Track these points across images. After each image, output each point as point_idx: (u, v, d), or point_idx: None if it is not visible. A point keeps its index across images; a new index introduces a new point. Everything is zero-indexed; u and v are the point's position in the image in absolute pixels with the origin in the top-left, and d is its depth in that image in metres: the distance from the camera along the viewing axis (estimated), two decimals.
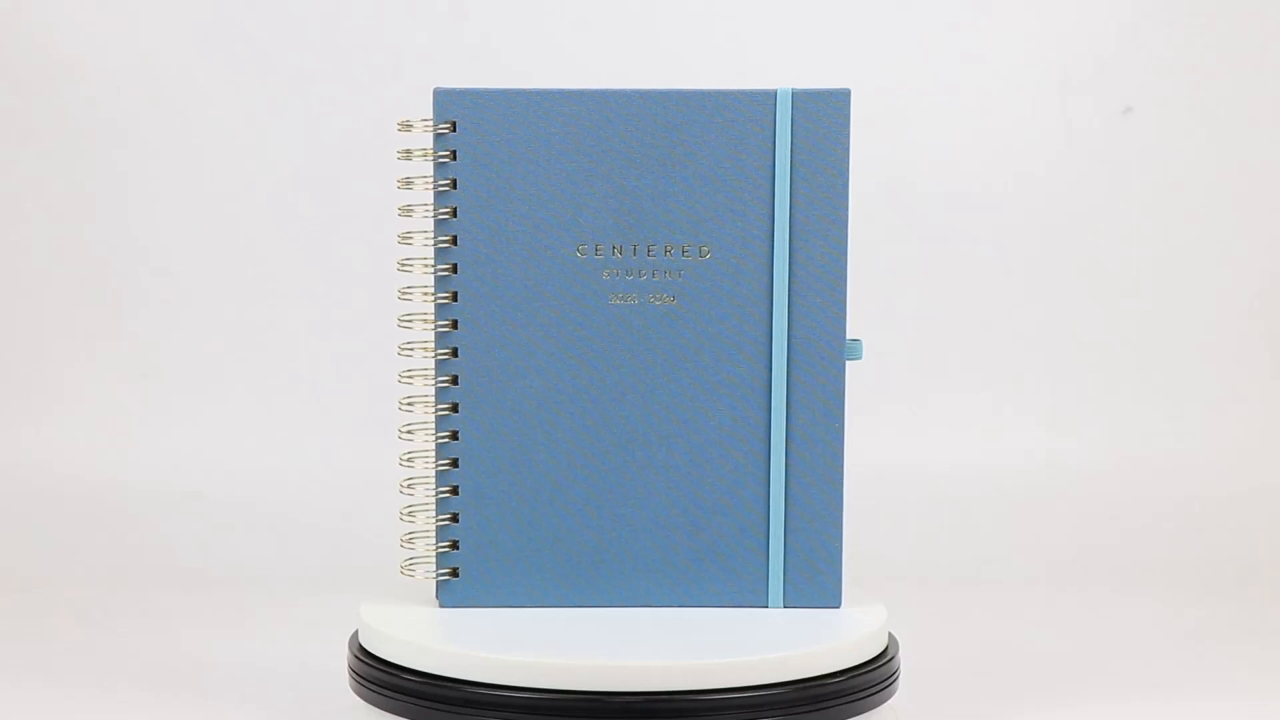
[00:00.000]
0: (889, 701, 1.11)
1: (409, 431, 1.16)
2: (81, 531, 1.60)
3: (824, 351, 1.13)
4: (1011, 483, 1.66)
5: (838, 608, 1.14)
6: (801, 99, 1.13)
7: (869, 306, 1.73)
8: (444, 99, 1.14)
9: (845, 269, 1.13)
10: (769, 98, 1.13)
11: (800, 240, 1.13)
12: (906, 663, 1.15)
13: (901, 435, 1.70)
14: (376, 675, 1.09)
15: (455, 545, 1.15)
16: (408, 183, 1.15)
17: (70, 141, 1.73)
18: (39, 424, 1.71)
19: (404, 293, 1.16)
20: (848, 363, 1.14)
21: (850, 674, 1.08)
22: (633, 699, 1.04)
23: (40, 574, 1.53)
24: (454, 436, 1.15)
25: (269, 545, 1.57)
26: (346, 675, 1.13)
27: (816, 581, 1.14)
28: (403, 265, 1.16)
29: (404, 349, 1.16)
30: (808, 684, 1.06)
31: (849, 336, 1.14)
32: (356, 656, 1.11)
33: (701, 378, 1.13)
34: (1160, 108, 1.74)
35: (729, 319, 1.13)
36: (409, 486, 1.16)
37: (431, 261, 1.15)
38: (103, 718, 1.20)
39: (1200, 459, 1.68)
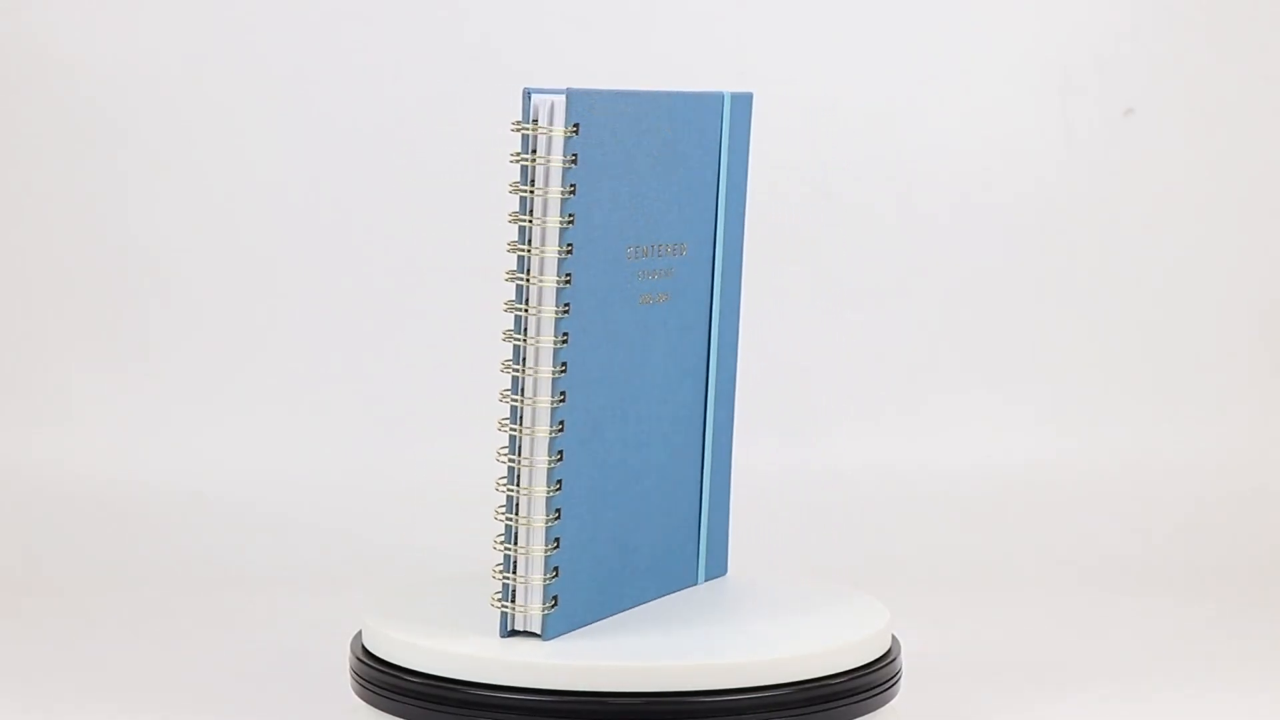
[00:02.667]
0: (891, 703, 1.11)
1: (511, 453, 1.07)
2: (82, 532, 1.60)
3: (728, 348, 1.18)
4: (1014, 484, 1.66)
5: (724, 575, 1.20)
6: (734, 102, 1.17)
7: (869, 306, 1.74)
8: (576, 100, 1.06)
9: (738, 268, 1.18)
10: (719, 99, 1.16)
11: (724, 241, 1.17)
12: (908, 664, 1.15)
13: (903, 436, 1.70)
14: (378, 676, 1.09)
15: (557, 572, 1.08)
16: (530, 188, 1.06)
17: (72, 142, 1.73)
18: (39, 425, 1.71)
19: (511, 305, 1.06)
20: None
21: (852, 675, 1.08)
22: (633, 700, 1.04)
23: (41, 574, 1.53)
24: (559, 458, 1.08)
25: (270, 546, 1.57)
26: (348, 676, 1.13)
27: (716, 555, 1.20)
28: (514, 275, 1.06)
29: (507, 367, 1.07)
30: (809, 685, 1.06)
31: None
32: (358, 658, 1.11)
33: (683, 372, 1.16)
34: (1161, 109, 1.74)
35: (693, 316, 1.17)
36: (508, 513, 1.07)
37: (538, 273, 1.06)
38: (103, 718, 1.20)
39: (1201, 459, 1.68)
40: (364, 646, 1.11)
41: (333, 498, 1.64)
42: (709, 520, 1.19)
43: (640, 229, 1.11)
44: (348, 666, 1.12)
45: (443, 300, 1.72)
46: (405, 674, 1.08)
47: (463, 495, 1.63)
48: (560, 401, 1.06)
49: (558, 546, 1.07)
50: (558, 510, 1.07)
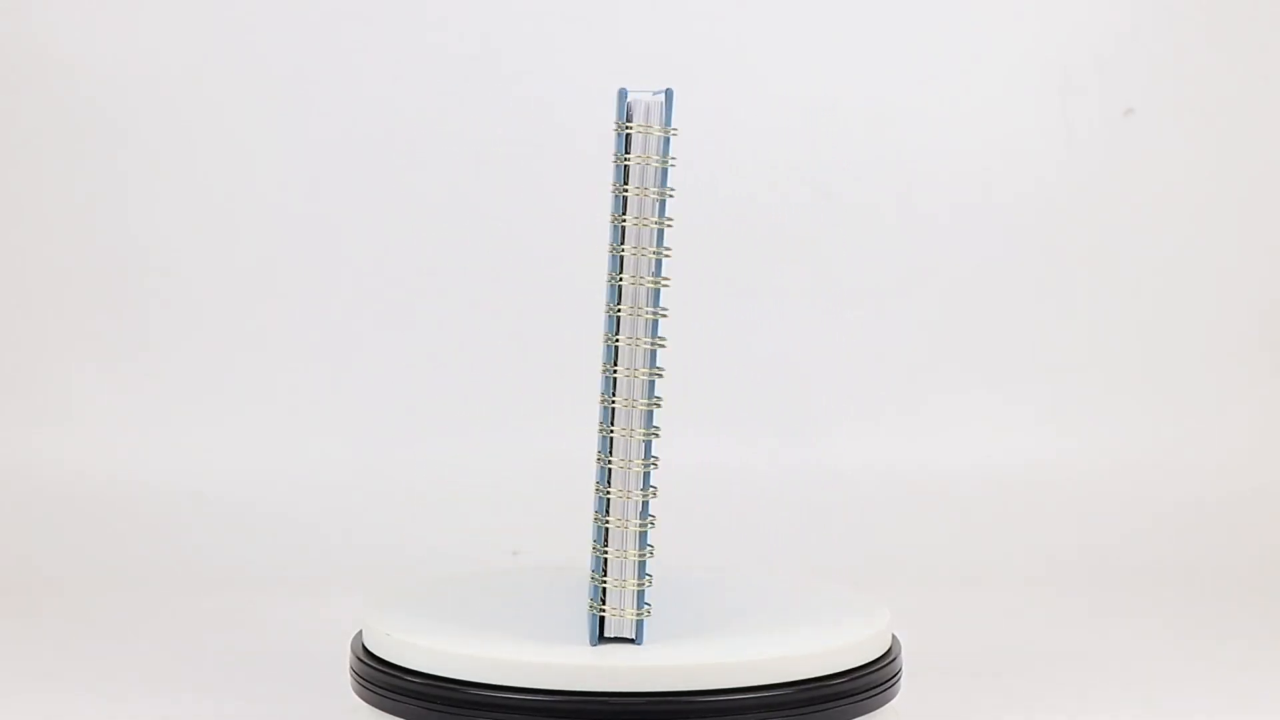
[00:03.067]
0: (891, 703, 1.11)
1: (609, 455, 1.07)
2: (82, 532, 1.60)
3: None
4: (1013, 483, 1.66)
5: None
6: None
7: (869, 306, 1.74)
8: (673, 101, 1.07)
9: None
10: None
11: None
12: (909, 664, 1.15)
13: (903, 436, 1.70)
14: (378, 676, 1.09)
15: (651, 580, 1.08)
16: (628, 188, 1.06)
17: (71, 142, 1.73)
18: (40, 424, 1.71)
19: (614, 309, 1.06)
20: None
21: (852, 675, 1.08)
22: (633, 700, 1.04)
23: (41, 574, 1.53)
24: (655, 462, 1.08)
25: (270, 546, 1.57)
26: (348, 676, 1.13)
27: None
28: (622, 278, 1.06)
29: (606, 369, 1.07)
30: (809, 685, 1.06)
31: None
32: (359, 658, 1.11)
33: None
34: (1161, 109, 1.74)
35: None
36: (604, 516, 1.07)
37: (640, 274, 1.06)
38: (103, 718, 1.20)
39: (1202, 459, 1.68)
40: (364, 646, 1.11)
41: (333, 498, 1.64)
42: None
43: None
44: (348, 666, 1.12)
45: (443, 300, 1.72)
46: (405, 674, 1.08)
47: (463, 495, 1.63)
48: (657, 404, 1.06)
49: (652, 553, 1.07)
50: (653, 515, 1.07)
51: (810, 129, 1.73)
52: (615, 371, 1.06)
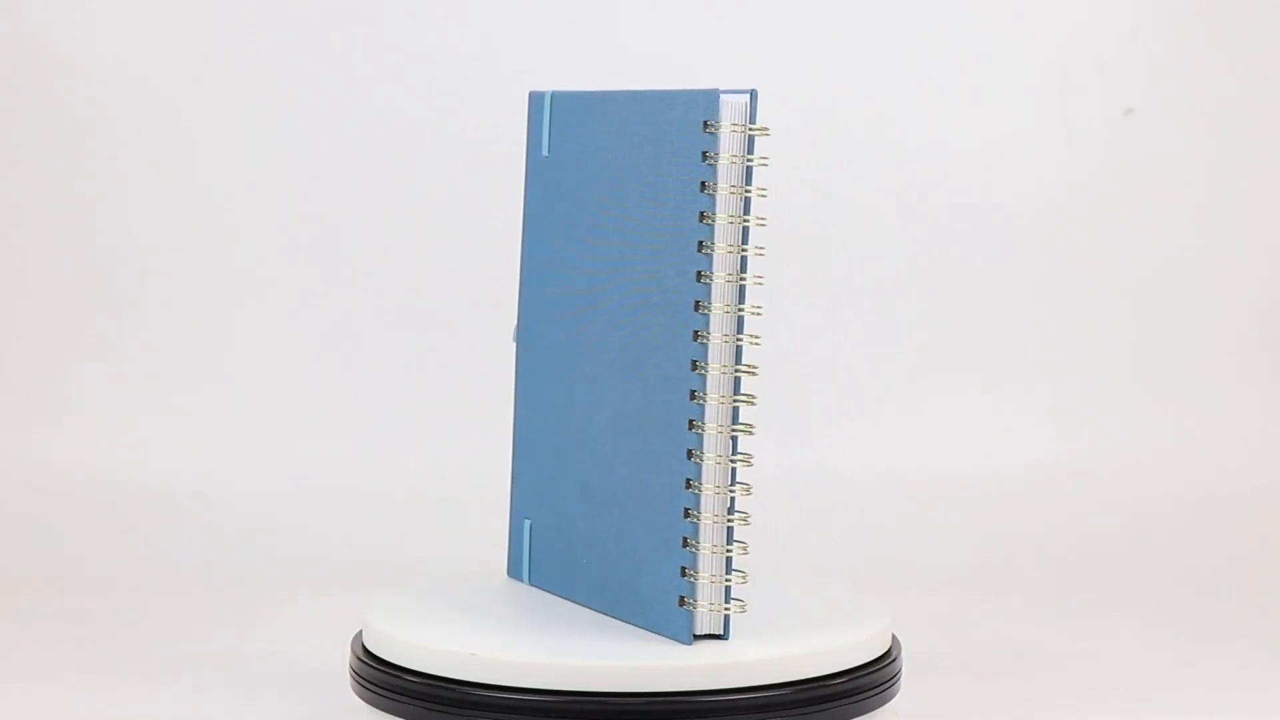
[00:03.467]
0: (891, 703, 1.11)
1: (700, 452, 1.08)
2: (83, 532, 1.60)
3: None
4: (1013, 484, 1.66)
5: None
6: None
7: (869, 306, 1.74)
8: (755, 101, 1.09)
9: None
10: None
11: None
12: (909, 664, 1.15)
13: (903, 436, 1.70)
14: (378, 676, 1.09)
15: (745, 576, 1.09)
16: (735, 189, 1.08)
17: (71, 142, 1.73)
18: (40, 424, 1.71)
19: (705, 308, 1.07)
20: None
21: (852, 675, 1.08)
22: (633, 700, 1.04)
23: (41, 574, 1.53)
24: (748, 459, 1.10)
25: (271, 545, 1.57)
26: (348, 676, 1.13)
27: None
28: (705, 276, 1.07)
29: (698, 367, 1.08)
30: (809, 685, 1.06)
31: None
32: (359, 657, 1.11)
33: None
34: (1161, 109, 1.74)
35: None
36: (704, 514, 1.08)
37: (736, 273, 1.09)
38: (102, 718, 1.20)
39: (1202, 460, 1.68)
40: (364, 646, 1.11)
41: (333, 498, 1.64)
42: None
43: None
44: (348, 666, 1.12)
45: (443, 300, 1.72)
46: (405, 674, 1.08)
47: (463, 495, 1.63)
48: (750, 401, 1.09)
49: (745, 550, 1.08)
50: (744, 512, 1.08)
51: (810, 129, 1.73)
52: (706, 369, 1.07)
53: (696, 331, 1.07)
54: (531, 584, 1.17)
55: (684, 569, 1.07)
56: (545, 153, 1.16)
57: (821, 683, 1.06)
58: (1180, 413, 1.71)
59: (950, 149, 1.74)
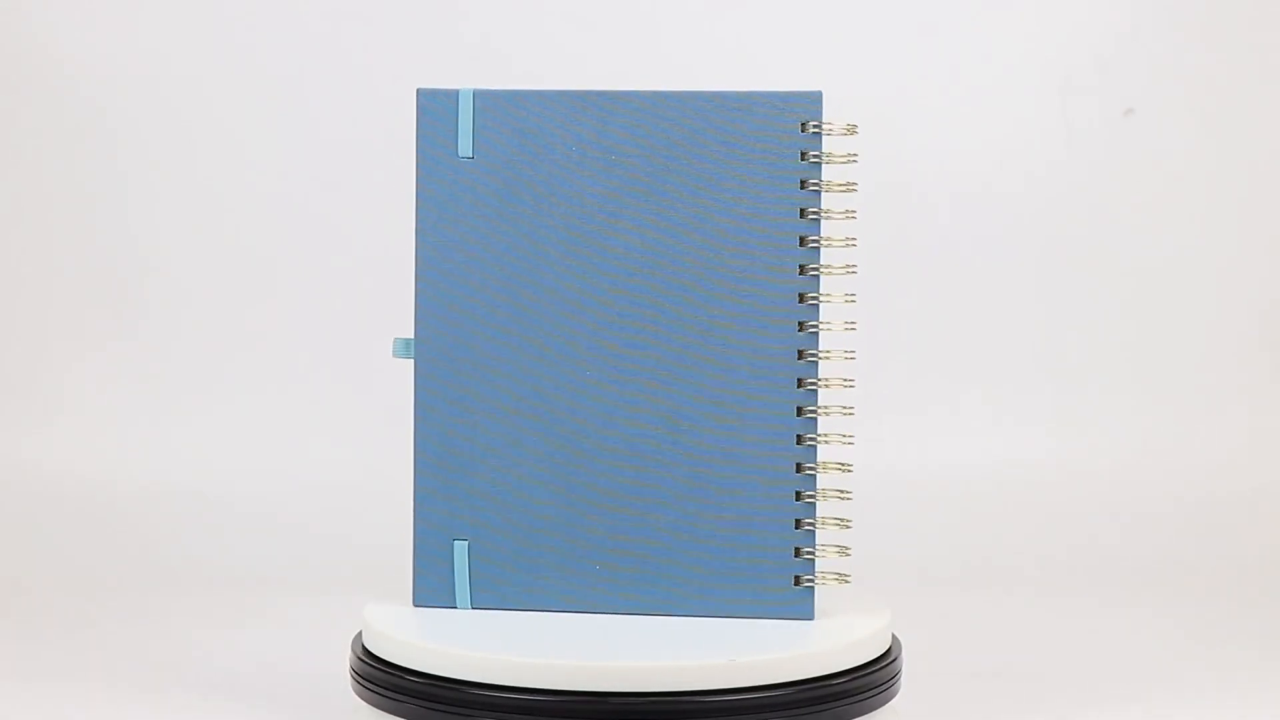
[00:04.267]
0: (891, 703, 1.11)
1: (823, 438, 1.16)
2: (83, 532, 1.60)
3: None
4: (1014, 484, 1.66)
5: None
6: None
7: (871, 307, 1.73)
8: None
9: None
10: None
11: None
12: (909, 664, 1.15)
13: (904, 437, 1.70)
14: (379, 676, 1.09)
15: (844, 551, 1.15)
16: (842, 185, 1.14)
17: (71, 142, 1.73)
18: (40, 425, 1.71)
19: (809, 298, 1.15)
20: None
21: (853, 675, 1.08)
22: (633, 700, 1.04)
23: (42, 574, 1.53)
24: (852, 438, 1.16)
25: (271, 546, 1.57)
26: (349, 676, 1.13)
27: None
28: (821, 269, 1.15)
29: (810, 355, 1.16)
30: (810, 685, 1.06)
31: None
32: (359, 657, 1.11)
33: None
34: (1161, 109, 1.74)
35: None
36: (815, 495, 1.15)
37: (834, 265, 1.16)
38: (104, 718, 1.20)
39: (1202, 460, 1.68)
40: (364, 646, 1.11)
41: (333, 498, 1.64)
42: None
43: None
44: (348, 666, 1.12)
45: None
46: (405, 674, 1.08)
47: None
48: (850, 385, 1.16)
49: (850, 526, 1.15)
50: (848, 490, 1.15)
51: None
52: (816, 357, 1.14)
53: (801, 322, 1.13)
54: (477, 607, 1.14)
55: (799, 549, 1.12)
56: (468, 153, 1.14)
57: (821, 683, 1.06)
58: (1180, 413, 1.71)
59: (950, 149, 1.74)
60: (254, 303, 1.73)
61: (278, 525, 1.61)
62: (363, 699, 1.10)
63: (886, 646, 1.12)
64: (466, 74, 1.73)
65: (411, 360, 1.13)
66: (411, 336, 1.13)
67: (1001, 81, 1.74)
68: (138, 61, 1.73)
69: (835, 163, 1.13)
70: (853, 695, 1.07)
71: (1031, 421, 1.72)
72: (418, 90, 1.14)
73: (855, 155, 1.13)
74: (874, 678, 1.09)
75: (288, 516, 1.62)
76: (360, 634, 1.13)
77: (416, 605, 1.14)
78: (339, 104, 1.73)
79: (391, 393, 1.73)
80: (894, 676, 1.11)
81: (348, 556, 1.56)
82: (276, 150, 1.73)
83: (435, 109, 1.14)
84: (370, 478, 1.67)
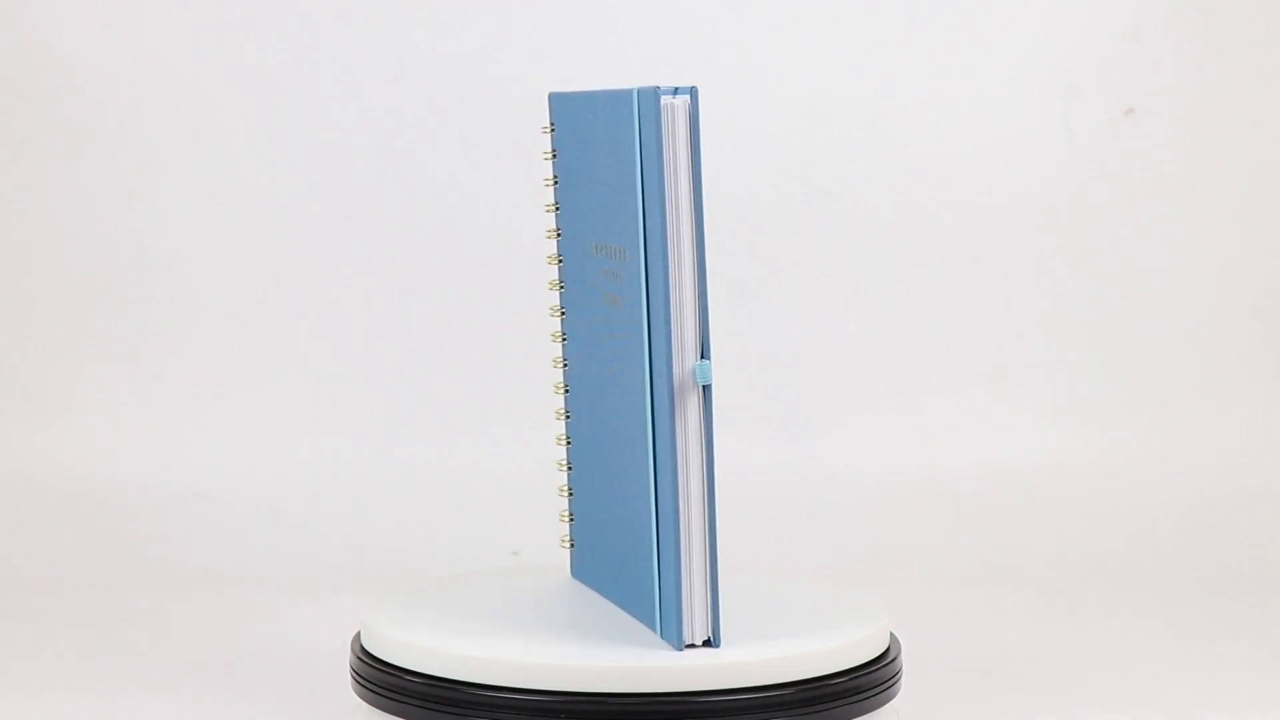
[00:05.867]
0: (891, 703, 1.11)
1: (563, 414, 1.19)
2: (84, 532, 1.60)
3: (659, 374, 1.06)
4: (1013, 483, 1.66)
5: (678, 650, 1.06)
6: (643, 99, 1.05)
7: (871, 307, 1.74)
8: (551, 101, 1.17)
9: (665, 284, 1.04)
10: (629, 98, 1.06)
11: (650, 249, 1.06)
12: (908, 663, 1.15)
13: (903, 435, 1.70)
14: (378, 676, 1.09)
15: (572, 518, 1.19)
16: (554, 180, 1.17)
17: (72, 142, 1.73)
18: (41, 425, 1.71)
19: (554, 284, 1.18)
20: (702, 387, 1.05)
21: (852, 674, 1.08)
22: (633, 700, 1.04)
23: (42, 574, 1.53)
24: (568, 416, 1.19)
25: (271, 546, 1.57)
26: (348, 676, 1.13)
27: (669, 618, 1.07)
28: (551, 259, 1.18)
29: (556, 337, 1.19)
30: (809, 684, 1.06)
31: (708, 357, 1.05)
32: (358, 657, 1.11)
33: (626, 381, 1.10)
34: (1162, 109, 1.74)
35: (633, 329, 1.08)
36: (562, 465, 1.19)
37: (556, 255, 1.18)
38: (104, 718, 1.20)
39: (1202, 460, 1.68)
40: (364, 646, 1.11)
41: (332, 498, 1.65)
42: (660, 574, 1.08)
43: (594, 227, 1.12)
44: (348, 666, 1.12)
45: (443, 300, 1.73)
46: (405, 674, 1.08)
47: (463, 495, 1.63)
48: (564, 365, 1.18)
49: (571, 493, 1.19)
50: (569, 463, 1.18)
51: (810, 129, 1.73)
52: (560, 339, 1.16)
53: (550, 308, 1.18)
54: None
55: (561, 514, 1.19)
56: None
57: (821, 683, 1.06)
58: (1180, 413, 1.71)
59: (951, 149, 1.74)
60: (255, 303, 1.73)
61: (278, 525, 1.61)
62: (362, 699, 1.11)
63: (886, 646, 1.12)
64: (466, 74, 1.73)
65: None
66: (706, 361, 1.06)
67: (1002, 81, 1.74)
68: (138, 61, 1.73)
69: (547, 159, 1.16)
70: (853, 695, 1.07)
71: (1032, 421, 1.72)
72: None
73: (553, 153, 1.16)
74: (874, 678, 1.09)
75: (288, 516, 1.62)
76: (359, 634, 1.13)
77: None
78: (340, 104, 1.73)
79: (392, 393, 1.73)
80: (894, 676, 1.11)
81: (347, 556, 1.56)
82: (277, 150, 1.73)
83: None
84: (370, 478, 1.67)
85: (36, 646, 1.35)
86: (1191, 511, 1.63)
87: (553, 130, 1.16)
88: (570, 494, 1.19)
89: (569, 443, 1.19)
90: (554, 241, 1.17)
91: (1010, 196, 1.74)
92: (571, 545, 1.19)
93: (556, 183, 1.16)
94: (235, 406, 1.71)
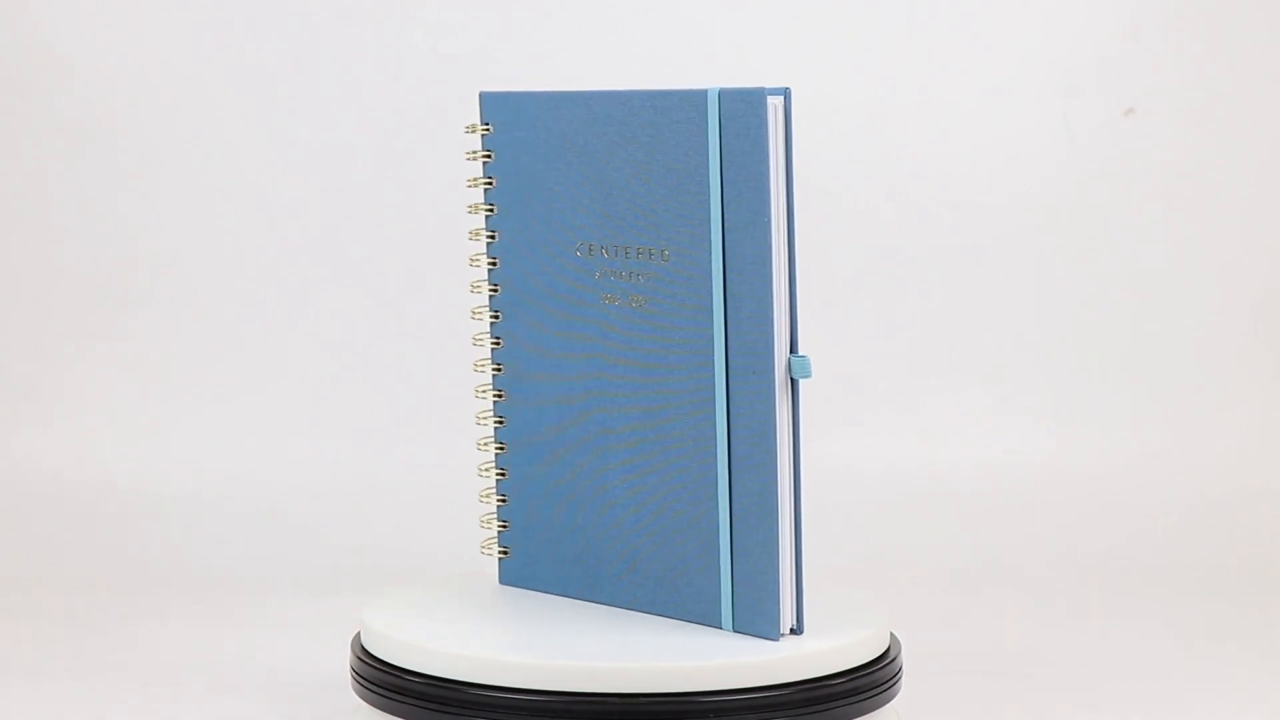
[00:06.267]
0: (891, 703, 1.11)
1: (484, 418, 1.19)
2: (83, 533, 1.60)
3: (754, 370, 1.07)
4: (1013, 483, 1.66)
5: (774, 640, 1.08)
6: (727, 99, 1.07)
7: (871, 307, 1.74)
8: (485, 101, 1.17)
9: (769, 280, 1.06)
10: (701, 98, 1.07)
11: (731, 249, 1.07)
12: (908, 663, 1.15)
13: (903, 436, 1.70)
14: (378, 676, 1.09)
15: (507, 526, 1.18)
16: (477, 182, 1.18)
17: (69, 141, 1.73)
18: (39, 425, 1.71)
19: (475, 286, 1.19)
20: (802, 380, 1.08)
21: (852, 675, 1.08)
22: (633, 700, 1.04)
23: (41, 575, 1.53)
24: (501, 423, 1.18)
25: (270, 546, 1.57)
26: (348, 676, 1.13)
27: (758, 611, 1.09)
28: (474, 260, 1.19)
29: (477, 339, 1.19)
30: (809, 685, 1.06)
31: (798, 353, 1.08)
32: (358, 658, 1.11)
33: (664, 384, 1.11)
34: (1162, 109, 1.74)
35: (683, 326, 1.09)
36: (485, 471, 1.19)
37: (483, 258, 1.18)
38: (104, 718, 1.20)
39: (1202, 460, 1.68)
40: (364, 646, 1.11)
41: (332, 498, 1.65)
42: (733, 564, 1.09)
43: (594, 228, 1.12)
44: (348, 666, 1.12)
45: (442, 300, 1.72)
46: (405, 674, 1.08)
47: (462, 495, 1.63)
48: (498, 370, 1.18)
49: (505, 501, 1.17)
50: (502, 470, 1.18)
51: (810, 128, 1.73)
52: (482, 342, 1.18)
53: (473, 309, 1.21)
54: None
55: (481, 519, 1.20)
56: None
57: (821, 683, 1.06)
58: (1180, 413, 1.71)
59: (950, 149, 1.74)
60: (253, 302, 1.73)
61: (278, 525, 1.61)
62: (362, 699, 1.11)
63: (886, 646, 1.12)
64: (465, 74, 1.73)
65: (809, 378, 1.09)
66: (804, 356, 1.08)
67: (1002, 81, 1.74)
68: (137, 61, 1.73)
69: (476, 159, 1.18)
70: (852, 695, 1.07)
71: (1031, 422, 1.72)
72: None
73: (488, 154, 1.17)
74: (874, 677, 1.09)
75: (288, 516, 1.62)
76: (359, 634, 1.13)
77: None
78: (339, 104, 1.73)
79: (391, 393, 1.73)
80: (894, 676, 1.11)
81: (347, 556, 1.56)
82: (276, 150, 1.73)
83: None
84: (370, 478, 1.67)
85: (36, 646, 1.34)
86: (1191, 511, 1.63)
87: (488, 131, 1.16)
88: (502, 500, 1.18)
89: (501, 448, 1.18)
90: (486, 243, 1.18)
91: (1010, 196, 1.74)
92: (505, 553, 1.18)
93: (492, 184, 1.16)
94: (234, 407, 1.71)
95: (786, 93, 1.06)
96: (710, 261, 1.08)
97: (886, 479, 1.66)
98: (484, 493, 1.19)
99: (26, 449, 1.69)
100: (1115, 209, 1.74)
